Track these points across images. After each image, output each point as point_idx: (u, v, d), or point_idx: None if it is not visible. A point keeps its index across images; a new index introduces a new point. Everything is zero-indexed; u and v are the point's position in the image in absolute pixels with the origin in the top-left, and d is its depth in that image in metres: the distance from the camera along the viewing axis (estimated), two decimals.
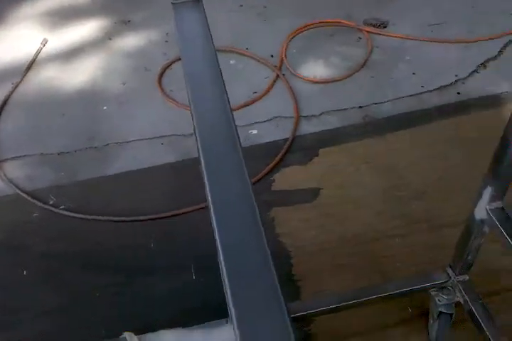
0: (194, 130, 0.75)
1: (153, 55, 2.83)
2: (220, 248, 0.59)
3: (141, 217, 2.09)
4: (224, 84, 0.82)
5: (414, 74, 2.60)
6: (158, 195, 2.19)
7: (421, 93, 2.50)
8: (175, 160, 2.31)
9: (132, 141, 2.41)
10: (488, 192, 1.22)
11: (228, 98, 0.79)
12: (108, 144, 2.41)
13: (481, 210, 1.27)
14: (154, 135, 2.42)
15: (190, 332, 0.97)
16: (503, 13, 2.91)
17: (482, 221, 1.29)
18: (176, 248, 1.99)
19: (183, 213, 2.09)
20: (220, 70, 0.84)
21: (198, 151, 0.72)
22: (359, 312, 1.63)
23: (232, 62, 2.75)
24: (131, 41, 2.95)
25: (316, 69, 2.68)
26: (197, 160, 0.73)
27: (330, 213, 2.04)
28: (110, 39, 2.97)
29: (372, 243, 1.93)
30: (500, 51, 2.70)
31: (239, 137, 0.73)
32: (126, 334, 0.97)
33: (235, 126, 0.74)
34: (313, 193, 2.12)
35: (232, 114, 0.76)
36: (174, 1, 0.97)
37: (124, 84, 2.70)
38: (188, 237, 2.01)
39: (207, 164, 0.69)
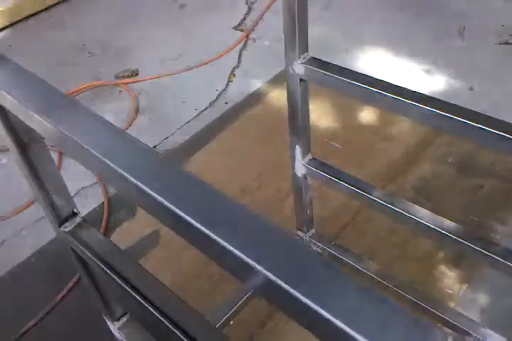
0: None
1: None
2: None
3: None
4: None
5: (184, 102, 2.89)
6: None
7: (198, 114, 2.80)
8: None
9: None
10: (298, 150, 1.48)
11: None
12: None
13: (299, 167, 1.53)
14: None
15: None
16: (227, 29, 3.40)
17: (304, 176, 1.55)
18: None
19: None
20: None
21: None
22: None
23: (3, 161, 2.66)
24: None
25: None
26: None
27: (175, 254, 2.12)
28: None
29: None
30: (238, 59, 3.15)
31: None
32: None
33: None
34: (155, 236, 2.19)
35: None
36: None
37: None
38: None
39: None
